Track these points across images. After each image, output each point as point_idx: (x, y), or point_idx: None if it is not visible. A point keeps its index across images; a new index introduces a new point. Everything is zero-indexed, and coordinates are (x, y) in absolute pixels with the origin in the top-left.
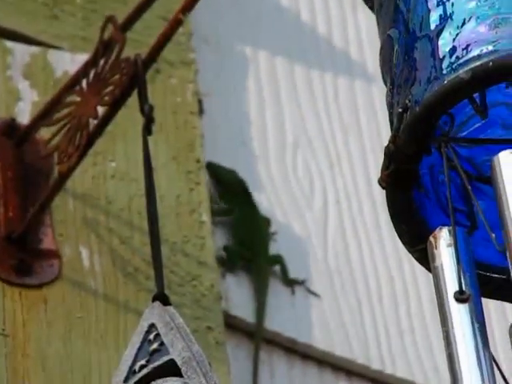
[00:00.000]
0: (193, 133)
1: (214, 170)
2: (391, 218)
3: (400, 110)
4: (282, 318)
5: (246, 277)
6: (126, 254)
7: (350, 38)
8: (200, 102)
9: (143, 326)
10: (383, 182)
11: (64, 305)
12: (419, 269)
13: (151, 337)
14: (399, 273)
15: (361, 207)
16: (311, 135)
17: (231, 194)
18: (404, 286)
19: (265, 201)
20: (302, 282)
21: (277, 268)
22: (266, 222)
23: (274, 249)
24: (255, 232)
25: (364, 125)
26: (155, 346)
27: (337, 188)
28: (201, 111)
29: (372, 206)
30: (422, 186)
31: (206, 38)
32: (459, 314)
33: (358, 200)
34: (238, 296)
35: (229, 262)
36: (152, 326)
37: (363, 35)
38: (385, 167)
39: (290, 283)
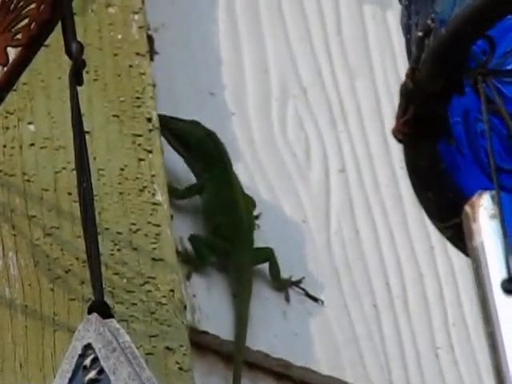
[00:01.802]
0: (141, 81)
1: (168, 126)
2: (412, 184)
3: (420, 33)
4: (270, 333)
5: (221, 278)
6: (52, 250)
7: None
8: (150, 38)
9: (76, 347)
10: (399, 133)
11: None
12: (459, 257)
13: (87, 362)
14: (431, 267)
15: (375, 176)
16: (305, 80)
17: (199, 160)
18: (438, 284)
19: (243, 172)
20: (297, 284)
21: (263, 266)
22: (250, 201)
23: (257, 238)
24: (235, 214)
25: (376, 63)
26: (93, 374)
27: (342, 151)
28: (151, 52)
29: (391, 174)
30: (452, 137)
31: None
32: (508, 310)
33: (370, 167)
34: (208, 305)
35: (196, 258)
36: (88, 348)
37: None
38: (401, 112)
39: (282, 285)
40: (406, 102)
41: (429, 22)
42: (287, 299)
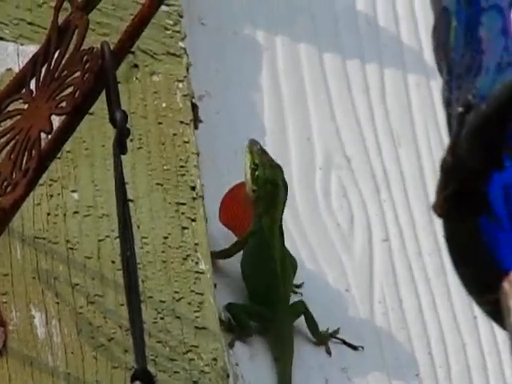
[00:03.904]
0: (185, 150)
1: (254, 151)
2: (451, 258)
3: (461, 109)
4: None
5: (264, 346)
6: (96, 318)
7: (400, 15)
8: (194, 107)
9: None
10: (439, 209)
11: None
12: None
13: None
14: (473, 336)
15: (418, 245)
16: (349, 149)
17: (262, 201)
18: (480, 354)
19: (286, 240)
20: (335, 335)
21: (300, 321)
22: (292, 261)
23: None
24: (271, 276)
25: (420, 132)
26: None
27: (385, 220)
28: (195, 120)
29: (434, 242)
30: (492, 213)
31: (201, 18)
32: None
33: (413, 236)
34: (251, 373)
35: (239, 326)
36: None
37: (417, 10)
38: (442, 188)
39: (322, 339)
40: (446, 178)
41: (469, 97)
42: (328, 352)
